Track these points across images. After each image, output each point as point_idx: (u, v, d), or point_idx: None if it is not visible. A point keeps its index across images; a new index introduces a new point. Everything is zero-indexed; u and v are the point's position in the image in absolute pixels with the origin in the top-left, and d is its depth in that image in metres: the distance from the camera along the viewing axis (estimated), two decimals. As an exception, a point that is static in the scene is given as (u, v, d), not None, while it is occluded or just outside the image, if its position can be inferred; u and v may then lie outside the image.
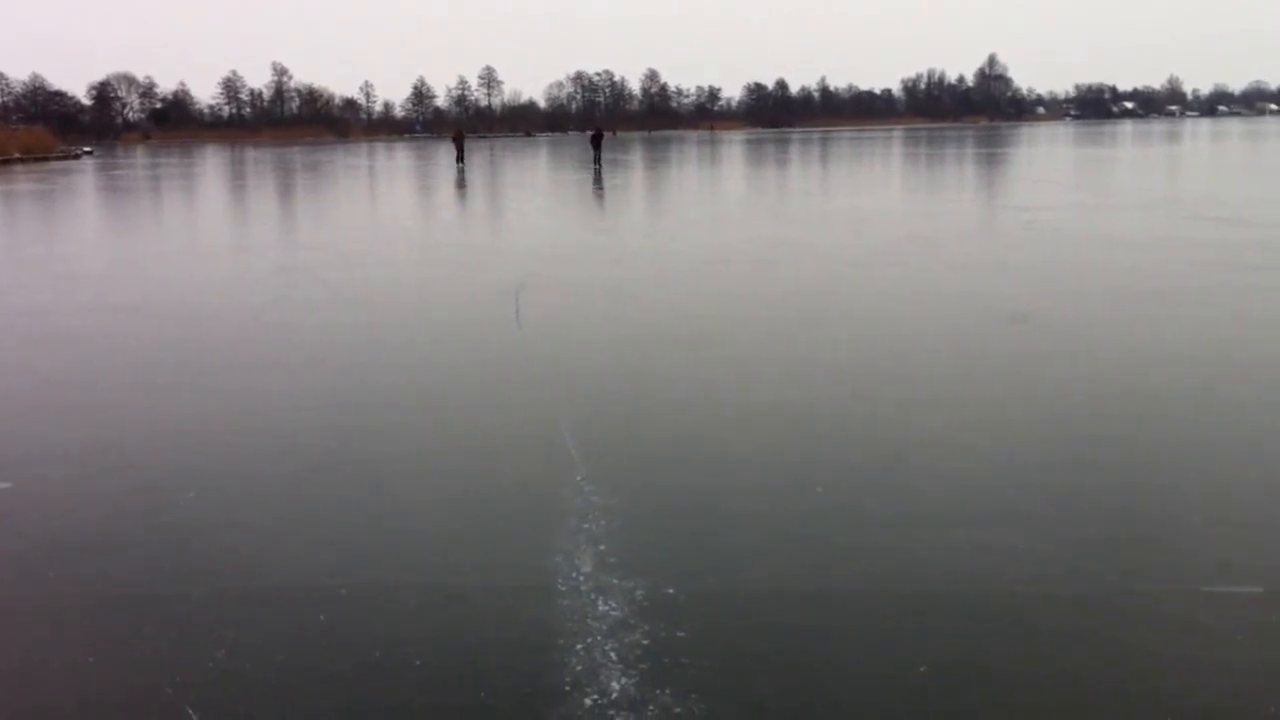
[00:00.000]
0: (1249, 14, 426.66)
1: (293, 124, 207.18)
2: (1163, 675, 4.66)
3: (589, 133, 60.19)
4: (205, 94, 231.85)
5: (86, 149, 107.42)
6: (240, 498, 7.03)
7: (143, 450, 8.16)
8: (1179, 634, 4.99)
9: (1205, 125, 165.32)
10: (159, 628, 5.25)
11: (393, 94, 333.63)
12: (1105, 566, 5.69)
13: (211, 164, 79.84)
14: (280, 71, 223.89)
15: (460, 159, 60.47)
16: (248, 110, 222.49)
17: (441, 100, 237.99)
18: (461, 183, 46.95)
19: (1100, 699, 4.49)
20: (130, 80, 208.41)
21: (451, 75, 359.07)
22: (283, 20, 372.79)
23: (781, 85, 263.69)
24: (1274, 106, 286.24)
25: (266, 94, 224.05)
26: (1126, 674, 4.66)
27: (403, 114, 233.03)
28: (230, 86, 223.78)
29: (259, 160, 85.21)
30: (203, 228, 30.10)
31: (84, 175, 61.90)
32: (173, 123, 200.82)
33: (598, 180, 44.82)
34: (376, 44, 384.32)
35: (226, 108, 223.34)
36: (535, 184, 46.16)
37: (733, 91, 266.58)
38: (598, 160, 54.41)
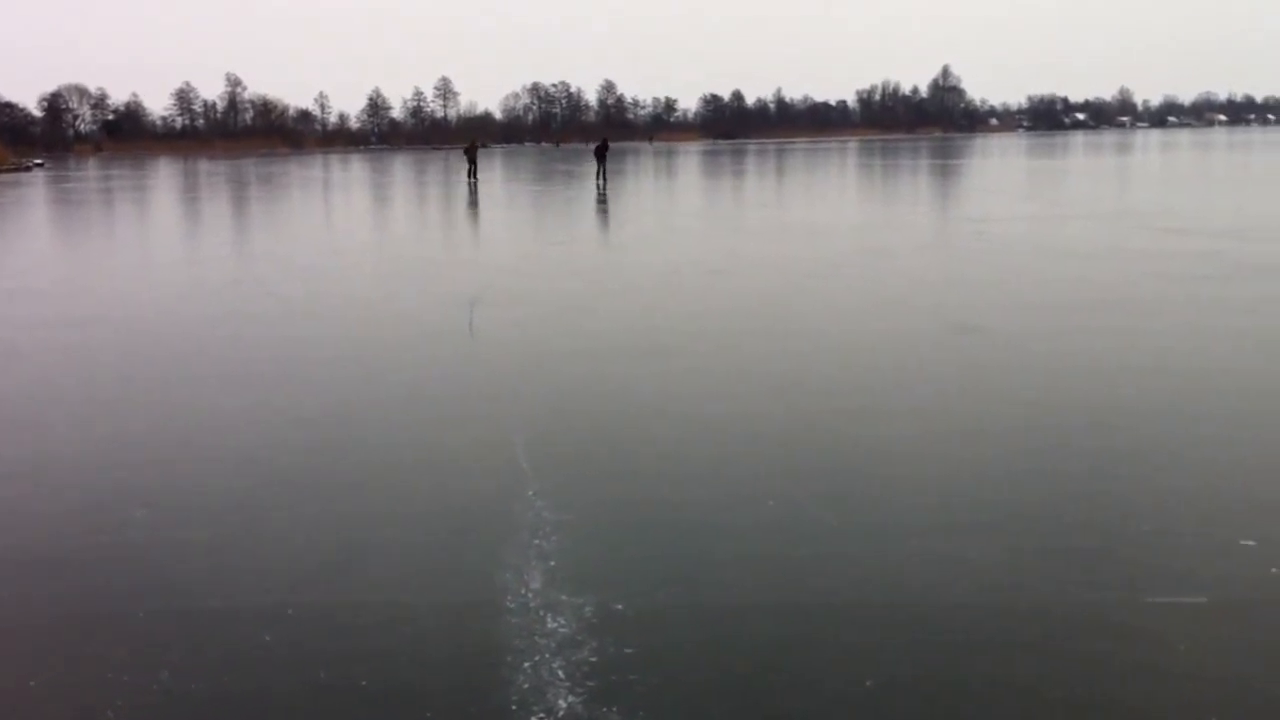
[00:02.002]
0: (1198, 27, 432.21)
1: (246, 135, 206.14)
2: (1110, 685, 4.69)
3: (593, 144, 54.25)
4: (158, 105, 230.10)
5: (37, 161, 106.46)
6: (188, 515, 6.95)
7: (90, 467, 8.08)
8: (1125, 644, 5.02)
9: (1156, 136, 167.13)
10: (103, 648, 5.19)
11: (348, 105, 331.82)
12: (1054, 577, 5.73)
13: (164, 176, 79.26)
14: (234, 82, 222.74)
15: (472, 173, 53.77)
16: (201, 121, 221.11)
17: (397, 112, 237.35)
18: (474, 199, 42.45)
19: (1049, 709, 4.52)
20: (82, 91, 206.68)
21: (407, 86, 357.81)
22: (236, 31, 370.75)
23: (737, 96, 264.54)
24: (1222, 118, 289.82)
25: (220, 105, 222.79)
26: (1074, 684, 4.68)
27: (358, 125, 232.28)
28: (183, 97, 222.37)
29: (212, 172, 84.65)
30: (155, 241, 29.85)
31: (35, 188, 61.32)
32: (125, 134, 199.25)
33: (602, 196, 41.27)
34: (331, 55, 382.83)
35: (179, 119, 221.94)
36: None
37: (689, 103, 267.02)
38: (601, 174, 49.52)
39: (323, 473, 7.75)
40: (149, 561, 6.25)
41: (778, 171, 67.00)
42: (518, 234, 28.53)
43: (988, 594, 5.55)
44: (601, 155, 49.80)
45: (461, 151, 60.41)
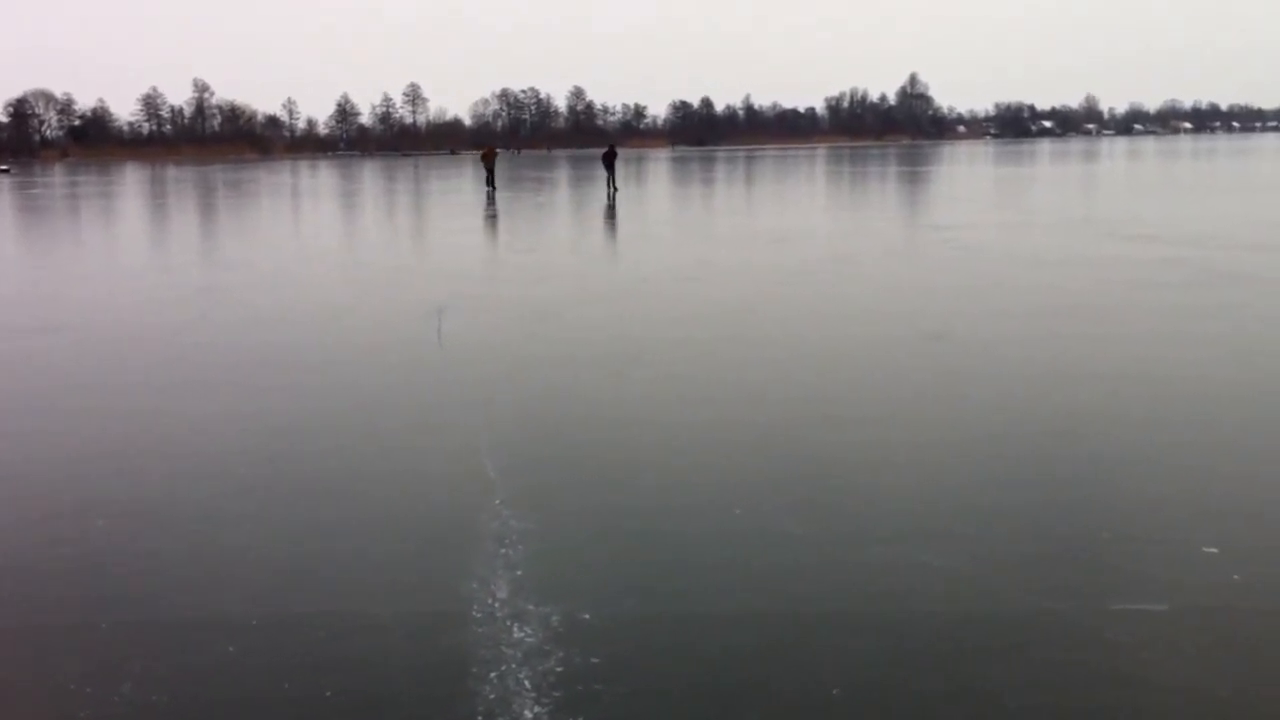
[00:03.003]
0: (1164, 35, 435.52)
1: (214, 141, 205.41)
2: (1071, 693, 4.71)
3: (602, 150, 50.32)
4: (125, 111, 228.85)
5: (3, 167, 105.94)
6: (151, 525, 6.91)
7: (52, 476, 8.02)
8: (1087, 651, 5.04)
9: (1122, 144, 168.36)
10: (65, 659, 5.15)
11: (316, 111, 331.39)
12: (1017, 584, 5.75)
13: (132, 182, 78.79)
14: (201, 88, 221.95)
15: (490, 181, 50.62)
16: (168, 127, 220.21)
17: (366, 118, 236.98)
18: (493, 211, 38.68)
19: (1011, 717, 4.53)
20: (48, 97, 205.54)
21: (376, 92, 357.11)
22: (204, 36, 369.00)
23: (707, 103, 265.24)
24: (1188, 125, 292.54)
25: (187, 111, 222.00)
26: (1036, 692, 4.70)
27: (327, 131, 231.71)
28: (150, 103, 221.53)
29: (180, 179, 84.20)
30: (121, 248, 29.69)
31: (0, 194, 60.79)
32: (92, 140, 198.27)
33: (611, 206, 39.30)
34: (300, 60, 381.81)
35: (146, 125, 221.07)
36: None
37: (659, 109, 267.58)
38: (611, 181, 46.91)
39: (288, 482, 7.70)
40: (111, 572, 6.20)
41: (747, 179, 67.14)
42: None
43: (951, 602, 5.56)
44: (610, 163, 47.73)
45: (479, 158, 55.66)
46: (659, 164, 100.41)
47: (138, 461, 8.28)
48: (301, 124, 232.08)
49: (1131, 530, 6.49)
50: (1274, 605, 5.50)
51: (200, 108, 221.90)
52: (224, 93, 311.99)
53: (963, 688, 4.77)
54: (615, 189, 46.51)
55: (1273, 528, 6.52)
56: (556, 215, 37.36)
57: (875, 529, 6.56)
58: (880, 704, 4.65)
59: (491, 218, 35.49)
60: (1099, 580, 5.81)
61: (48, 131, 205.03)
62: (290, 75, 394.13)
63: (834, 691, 4.73)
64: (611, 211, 36.98)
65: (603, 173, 48.27)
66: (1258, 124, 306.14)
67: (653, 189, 55.85)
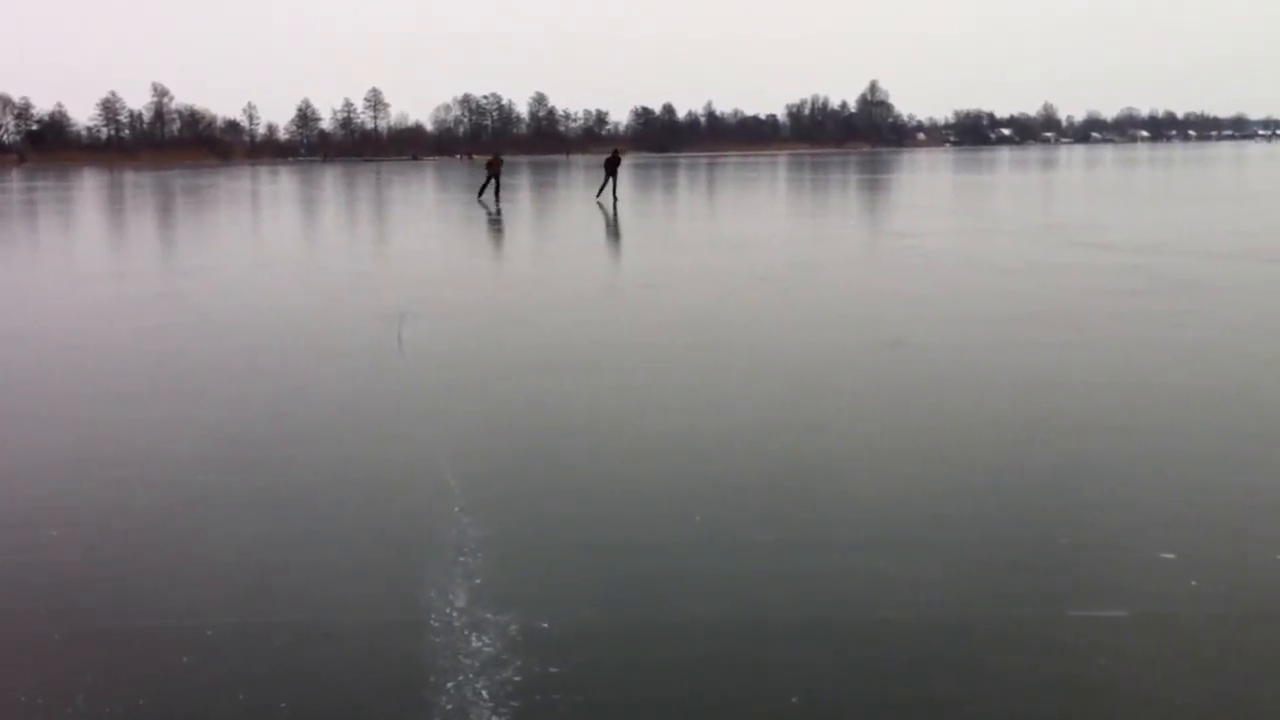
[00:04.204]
0: (1121, 45, 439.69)
1: (173, 146, 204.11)
2: (1030, 700, 4.72)
3: (605, 155, 46.72)
4: (83, 115, 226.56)
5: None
6: (106, 534, 6.82)
7: (3, 486, 7.91)
8: (1046, 658, 5.05)
9: (1080, 151, 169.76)
10: (17, 671, 5.07)
11: (277, 116, 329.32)
12: (976, 592, 5.76)
13: (90, 188, 78.16)
14: (161, 92, 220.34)
15: (495, 191, 46.06)
16: (127, 132, 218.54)
17: (327, 123, 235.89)
18: (498, 223, 35.25)
19: (969, 726, 4.54)
20: (5, 101, 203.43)
21: (337, 97, 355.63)
22: (164, 40, 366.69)
23: (669, 110, 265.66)
24: (1145, 133, 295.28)
25: (146, 115, 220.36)
26: (995, 699, 4.71)
27: (287, 137, 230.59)
28: (109, 107, 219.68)
29: (138, 184, 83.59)
30: (78, 254, 29.43)
31: (-46, 198, 60.18)
32: (49, 145, 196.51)
33: (613, 213, 37.73)
34: (260, 65, 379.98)
35: (105, 129, 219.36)
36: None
37: (620, 115, 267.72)
38: (612, 189, 44.43)
39: (244, 491, 7.63)
40: (64, 582, 6.11)
41: (709, 185, 67.26)
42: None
43: (910, 609, 5.56)
44: (613, 168, 44.76)
45: (483, 166, 50.24)
46: (621, 170, 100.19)
47: (92, 470, 8.19)
48: (262, 129, 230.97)
49: (1091, 537, 6.51)
50: (1231, 610, 5.53)
51: (159, 112, 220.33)
52: (184, 97, 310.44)
53: (923, 696, 4.76)
54: (616, 199, 43.49)
55: (1230, 533, 6.56)
56: (540, 223, 37.28)
57: (836, 537, 6.56)
58: (840, 713, 4.64)
59: (496, 224, 34.43)
60: (1059, 587, 5.83)
61: (4, 136, 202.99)
62: (251, 79, 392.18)
63: (793, 700, 4.72)
64: (614, 220, 35.12)
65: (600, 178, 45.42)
66: (1213, 132, 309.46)
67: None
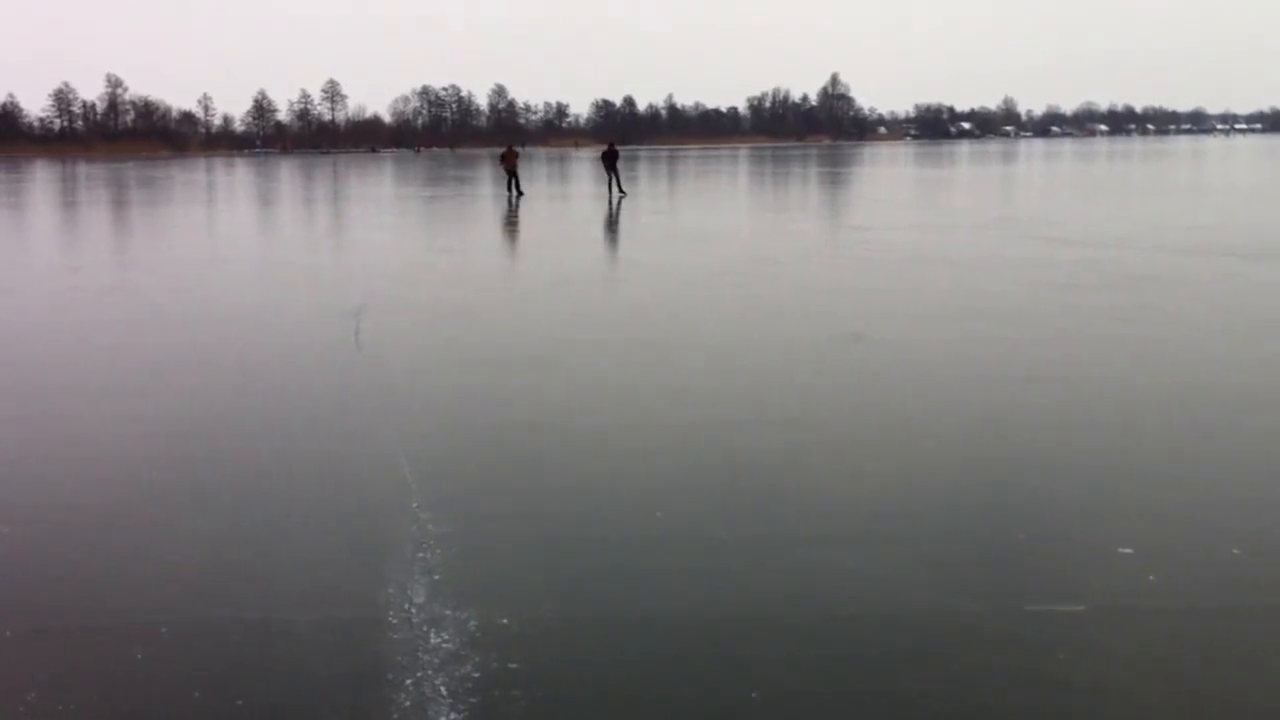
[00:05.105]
0: (1080, 40, 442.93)
1: (127, 138, 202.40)
2: (988, 694, 4.73)
3: (602, 149, 44.97)
4: (35, 106, 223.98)
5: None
6: (58, 531, 6.73)
7: (-45, 482, 7.80)
8: (1004, 653, 5.06)
9: (1039, 145, 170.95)
10: (-35, 672, 5.00)
11: (232, 107, 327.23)
12: (934, 586, 5.77)
13: (41, 180, 77.35)
14: (114, 83, 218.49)
15: (513, 185, 43.07)
16: (80, 124, 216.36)
17: (284, 114, 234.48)
18: (514, 220, 33.76)
19: (930, 719, 4.55)
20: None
21: (294, 88, 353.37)
22: (118, 29, 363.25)
23: (629, 102, 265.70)
24: (1104, 128, 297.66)
25: (100, 106, 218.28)
26: (953, 694, 4.72)
27: (243, 128, 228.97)
28: (62, 98, 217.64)
29: (91, 176, 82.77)
30: (29, 248, 29.12)
31: (-95, 190, 59.41)
32: (0, 137, 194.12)
33: (616, 209, 36.82)
34: (216, 54, 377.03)
35: (58, 121, 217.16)
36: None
37: (581, 108, 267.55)
38: (615, 184, 42.47)
39: (199, 487, 7.55)
40: (15, 579, 6.04)
41: (670, 179, 67.24)
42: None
43: (869, 604, 5.57)
44: (611, 163, 42.73)
45: (497, 159, 47.76)
46: (581, 164, 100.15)
47: (42, 466, 8.09)
48: (217, 120, 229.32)
49: (1046, 532, 6.54)
50: (1188, 605, 5.56)
51: (113, 103, 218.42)
52: (138, 88, 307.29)
53: (882, 690, 4.77)
54: (622, 193, 42.04)
55: (1187, 528, 6.60)
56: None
57: (795, 532, 6.56)
58: (799, 707, 4.64)
59: (511, 223, 32.72)
60: (1016, 582, 5.85)
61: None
62: (206, 70, 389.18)
63: (753, 695, 4.71)
64: (615, 216, 34.20)
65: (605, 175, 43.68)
66: (1171, 126, 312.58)
67: (575, 189, 55.67)
